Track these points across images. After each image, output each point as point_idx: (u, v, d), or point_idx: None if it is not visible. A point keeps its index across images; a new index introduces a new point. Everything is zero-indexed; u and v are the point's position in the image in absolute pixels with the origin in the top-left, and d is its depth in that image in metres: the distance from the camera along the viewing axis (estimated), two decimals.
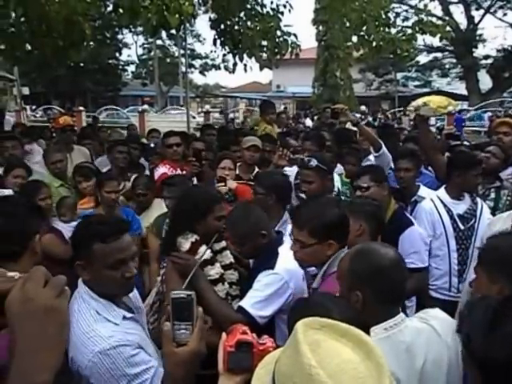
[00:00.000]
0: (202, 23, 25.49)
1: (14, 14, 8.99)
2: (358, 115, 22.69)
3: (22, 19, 9.29)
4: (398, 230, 4.27)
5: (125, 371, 2.43)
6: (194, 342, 1.71)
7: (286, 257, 3.28)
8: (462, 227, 4.75)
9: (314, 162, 5.03)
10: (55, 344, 1.15)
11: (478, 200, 4.93)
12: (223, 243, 3.69)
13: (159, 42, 49.37)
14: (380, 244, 2.62)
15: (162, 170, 6.14)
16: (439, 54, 46.43)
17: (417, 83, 51.20)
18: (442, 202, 4.82)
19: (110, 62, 49.70)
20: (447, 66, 47.48)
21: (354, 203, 3.89)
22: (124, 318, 2.67)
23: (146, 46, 56.85)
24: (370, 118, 27.43)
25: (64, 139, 8.11)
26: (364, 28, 10.01)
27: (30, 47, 10.48)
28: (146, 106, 29.27)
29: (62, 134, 8.38)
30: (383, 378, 1.29)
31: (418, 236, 4.38)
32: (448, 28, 10.56)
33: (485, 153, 5.77)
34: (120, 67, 53.99)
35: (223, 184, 5.31)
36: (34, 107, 36.40)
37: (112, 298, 2.71)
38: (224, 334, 1.82)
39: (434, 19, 11.62)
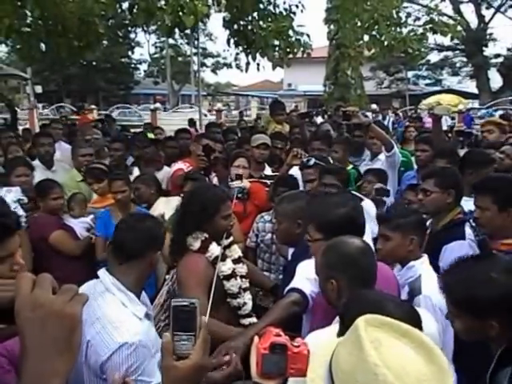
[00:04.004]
0: (214, 22, 25.44)
1: (30, 15, 9.12)
2: (370, 113, 22.60)
3: (39, 20, 9.40)
4: (445, 239, 4.00)
5: (134, 371, 2.55)
6: (197, 355, 1.49)
7: None
8: (473, 224, 4.73)
9: (312, 161, 5.18)
10: (67, 349, 1.13)
11: None
12: (231, 238, 3.78)
13: (171, 40, 49.36)
14: (348, 236, 2.70)
15: (178, 165, 6.20)
16: (450, 53, 46.21)
17: (427, 82, 50.92)
18: None
19: (123, 60, 49.87)
20: (458, 65, 47.23)
21: (397, 217, 3.53)
22: (146, 314, 2.82)
23: (158, 44, 56.99)
24: (380, 117, 27.35)
25: (92, 134, 8.28)
26: (375, 28, 10.04)
27: (44, 47, 10.57)
28: (158, 105, 29.25)
29: (93, 129, 8.54)
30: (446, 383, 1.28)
31: (463, 253, 3.94)
32: (459, 28, 10.56)
33: (499, 153, 5.80)
34: (132, 66, 54.21)
35: (239, 181, 5.36)
36: (44, 105, 36.47)
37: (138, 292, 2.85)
38: (256, 337, 1.79)
39: (444, 18, 11.63)
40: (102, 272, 2.91)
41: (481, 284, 2.35)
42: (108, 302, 2.74)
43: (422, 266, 3.36)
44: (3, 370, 2.10)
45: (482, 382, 2.33)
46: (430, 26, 10.34)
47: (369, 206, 5.10)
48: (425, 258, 3.44)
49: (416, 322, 1.93)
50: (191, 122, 16.52)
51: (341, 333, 1.95)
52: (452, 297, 2.47)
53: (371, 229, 4.04)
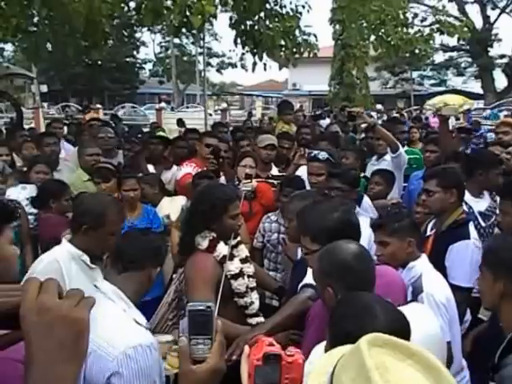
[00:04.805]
0: (219, 22, 25.15)
1: (37, 15, 9.14)
2: (374, 113, 22.61)
3: (46, 19, 9.41)
4: (451, 239, 4.05)
5: (148, 373, 2.38)
6: (214, 359, 1.46)
7: None
8: (483, 224, 4.72)
9: (324, 155, 5.19)
10: (74, 355, 1.11)
11: (497, 198, 4.83)
12: (238, 238, 3.78)
13: (176, 40, 49.52)
14: (343, 241, 2.66)
15: (186, 169, 6.17)
16: (455, 54, 46.22)
17: (432, 82, 50.95)
18: None
19: (128, 60, 49.97)
20: (463, 65, 47.27)
21: (392, 222, 3.53)
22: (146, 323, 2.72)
23: (163, 44, 57.10)
24: (385, 117, 27.32)
25: (91, 133, 8.30)
26: (383, 28, 10.02)
27: (51, 47, 10.58)
28: (163, 104, 29.29)
29: (90, 128, 8.59)
30: None
31: (468, 253, 4.01)
32: (465, 29, 10.54)
33: (506, 153, 5.80)
34: (137, 65, 54.33)
35: (249, 181, 5.33)
36: (49, 104, 36.56)
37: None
38: (247, 347, 1.68)
39: (450, 19, 11.62)
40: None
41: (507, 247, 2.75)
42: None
43: (422, 265, 3.39)
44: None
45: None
46: (437, 26, 10.34)
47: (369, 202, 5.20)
48: (424, 257, 3.48)
49: (403, 326, 1.92)
50: (180, 122, 16.54)
51: (329, 337, 1.96)
52: (486, 258, 2.80)
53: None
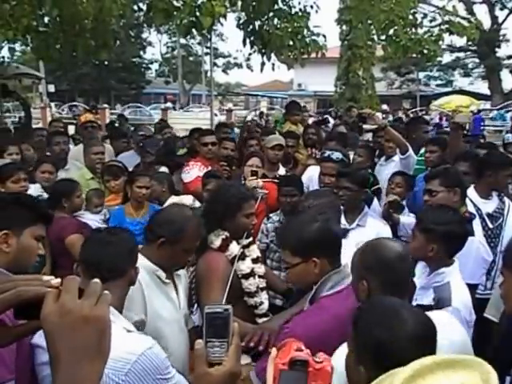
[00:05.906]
0: (225, 22, 24.64)
1: (48, 14, 9.14)
2: (380, 114, 22.61)
3: (56, 19, 9.41)
4: None
5: (162, 372, 2.31)
6: (231, 362, 1.46)
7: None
8: (490, 226, 4.71)
9: (338, 156, 5.19)
10: (98, 354, 1.12)
11: (506, 199, 4.94)
12: (250, 238, 3.78)
13: (183, 40, 49.71)
14: (390, 239, 2.67)
15: (194, 172, 6.19)
16: (462, 54, 46.13)
17: (439, 82, 50.87)
18: (471, 200, 4.73)
19: (134, 60, 50.22)
20: (470, 66, 47.17)
21: (429, 220, 3.42)
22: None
23: (169, 44, 57.28)
24: (391, 117, 27.31)
25: (85, 135, 8.34)
26: (392, 29, 9.96)
27: (61, 47, 10.56)
28: (169, 104, 29.39)
29: (84, 131, 8.63)
30: None
31: (472, 249, 3.98)
32: (473, 30, 10.49)
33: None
34: (144, 65, 54.50)
35: (255, 178, 5.34)
36: (57, 104, 36.64)
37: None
38: (274, 350, 1.67)
39: (459, 19, 11.57)
40: None
41: None
42: None
43: (451, 274, 3.29)
44: None
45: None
46: (446, 26, 10.29)
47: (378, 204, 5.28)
48: (455, 265, 3.35)
49: (430, 328, 1.87)
50: (163, 121, 16.66)
51: (356, 346, 1.88)
52: (507, 261, 2.71)
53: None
